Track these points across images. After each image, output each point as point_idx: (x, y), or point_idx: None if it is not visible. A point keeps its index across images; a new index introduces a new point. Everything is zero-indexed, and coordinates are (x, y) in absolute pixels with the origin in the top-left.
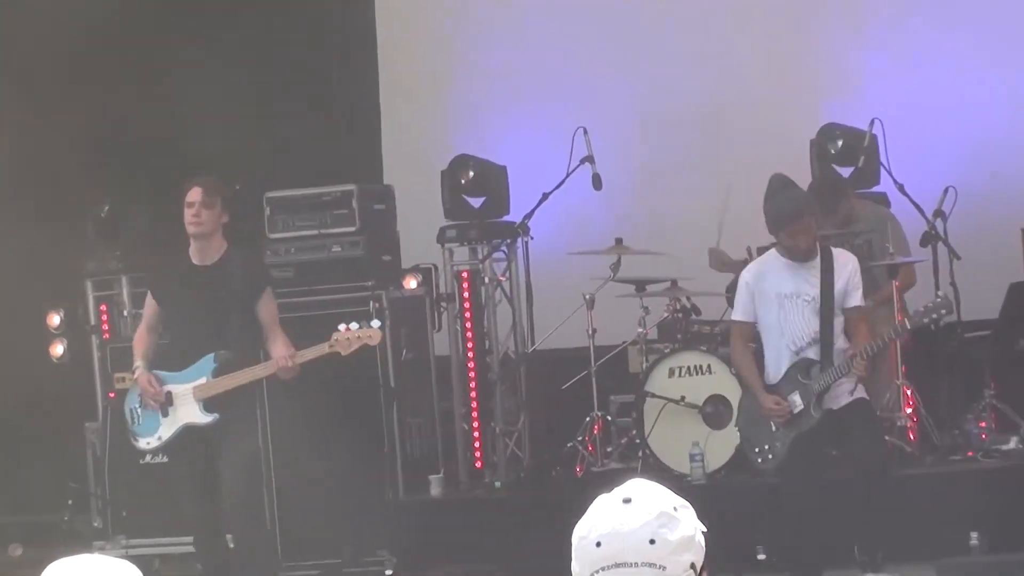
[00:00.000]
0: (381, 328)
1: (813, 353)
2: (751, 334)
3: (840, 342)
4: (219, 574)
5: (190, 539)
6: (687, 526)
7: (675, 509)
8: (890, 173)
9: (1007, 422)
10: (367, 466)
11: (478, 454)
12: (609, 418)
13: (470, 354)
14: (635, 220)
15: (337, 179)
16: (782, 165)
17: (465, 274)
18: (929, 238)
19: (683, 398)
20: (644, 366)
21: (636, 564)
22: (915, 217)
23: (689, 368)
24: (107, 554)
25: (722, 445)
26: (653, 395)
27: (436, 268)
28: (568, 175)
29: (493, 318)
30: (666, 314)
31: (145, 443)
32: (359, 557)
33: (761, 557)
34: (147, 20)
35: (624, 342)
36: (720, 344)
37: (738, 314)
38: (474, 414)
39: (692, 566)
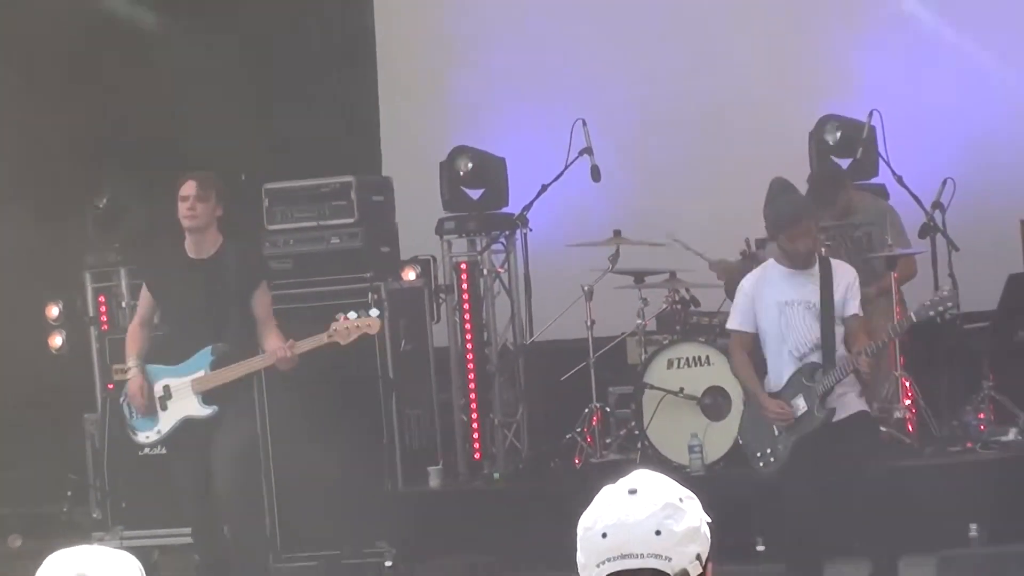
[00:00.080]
0: (380, 317)
1: (816, 359)
2: (750, 343)
3: (842, 350)
4: (217, 566)
5: (189, 531)
6: (693, 517)
7: (681, 500)
8: (889, 164)
9: (1006, 413)
10: (366, 458)
11: (477, 445)
12: (608, 409)
13: (469, 345)
14: (634, 211)
15: (336, 171)
16: (781, 159)
17: (464, 266)
18: (928, 229)
19: (682, 389)
20: (643, 357)
21: (642, 555)
22: (914, 208)
23: (688, 359)
24: (106, 545)
25: (721, 436)
26: (652, 386)
27: (435, 260)
28: (567, 167)
29: (492, 310)
30: (665, 305)
31: (144, 437)
32: (358, 548)
33: (760, 548)
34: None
35: (623, 333)
36: (719, 335)
37: (736, 323)
38: (473, 405)
39: (698, 557)
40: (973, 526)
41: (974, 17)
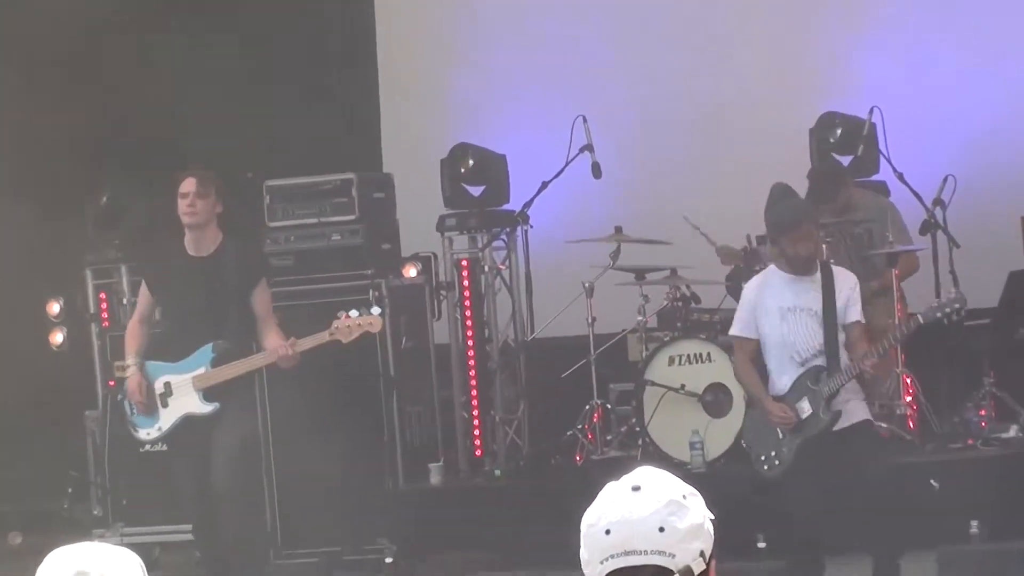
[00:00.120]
0: (381, 315)
1: (819, 364)
2: (753, 349)
3: (844, 356)
4: (218, 563)
5: (189, 527)
6: (696, 514)
7: (684, 497)
8: (889, 161)
9: (1006, 410)
10: (367, 455)
11: (478, 442)
12: (609, 406)
13: (470, 342)
14: (634, 208)
15: (337, 168)
16: (782, 156)
17: (465, 262)
18: (929, 226)
19: (683, 386)
20: (644, 354)
21: (646, 552)
22: (915, 205)
23: (689, 356)
24: (107, 542)
25: (722, 433)
26: (653, 383)
27: (436, 256)
28: (567, 163)
29: (493, 306)
30: (666, 302)
31: (145, 434)
32: (359, 545)
33: (761, 545)
34: (147, 8)
35: (624, 330)
36: (720, 332)
37: (739, 329)
38: (474, 402)
39: (701, 554)
40: (974, 523)
41: (974, 15)
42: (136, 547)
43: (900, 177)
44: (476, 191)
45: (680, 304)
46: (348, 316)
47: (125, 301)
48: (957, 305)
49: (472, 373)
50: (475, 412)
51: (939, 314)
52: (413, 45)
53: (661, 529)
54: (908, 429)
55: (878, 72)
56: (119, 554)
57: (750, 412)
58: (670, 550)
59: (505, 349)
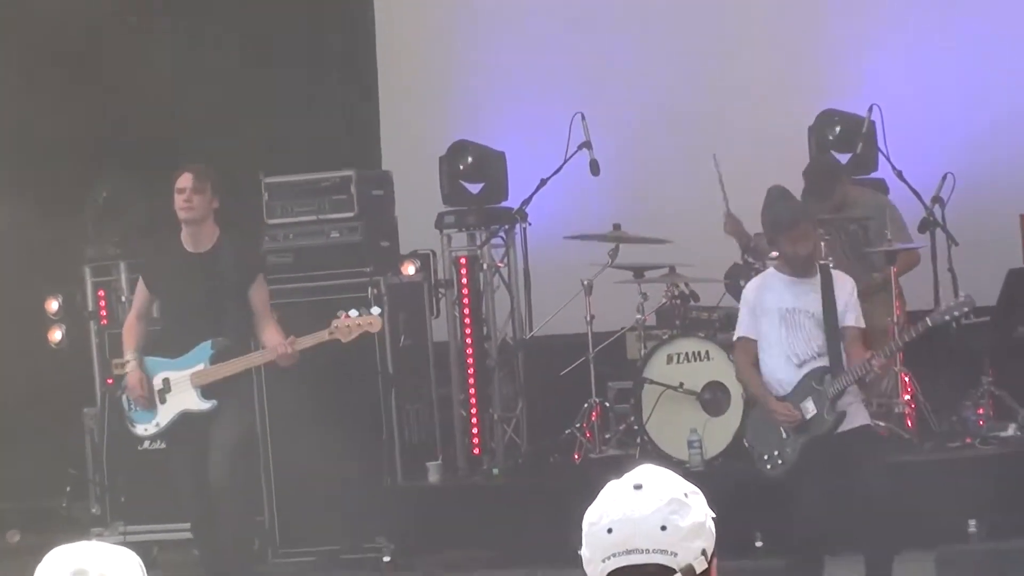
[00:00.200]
0: (381, 315)
1: (818, 364)
2: (753, 350)
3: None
4: (217, 561)
5: (188, 525)
6: (698, 512)
7: (686, 495)
8: (888, 159)
9: (1005, 409)
10: (365, 453)
11: (476, 440)
12: (607, 404)
13: (468, 340)
14: (633, 206)
15: (335, 165)
16: (781, 154)
17: (463, 260)
18: (927, 224)
19: (681, 384)
20: (642, 352)
21: (648, 550)
22: (913, 203)
23: (687, 354)
24: (105, 540)
25: (720, 432)
26: (651, 381)
27: (434, 254)
28: (566, 161)
29: (491, 304)
30: (664, 300)
31: (143, 429)
32: (357, 543)
33: (759, 544)
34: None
35: (622, 328)
36: (718, 330)
37: (740, 331)
38: (472, 400)
39: (703, 552)
40: (972, 522)
41: (973, 13)
42: (135, 546)
43: (899, 175)
44: (475, 188)
45: (679, 302)
46: (348, 316)
47: (124, 299)
48: (966, 308)
49: (470, 371)
50: (473, 410)
51: (948, 317)
52: (412, 43)
53: (663, 528)
54: (906, 428)
55: (877, 70)
56: (118, 553)
57: (752, 412)
58: (672, 549)
59: (503, 347)
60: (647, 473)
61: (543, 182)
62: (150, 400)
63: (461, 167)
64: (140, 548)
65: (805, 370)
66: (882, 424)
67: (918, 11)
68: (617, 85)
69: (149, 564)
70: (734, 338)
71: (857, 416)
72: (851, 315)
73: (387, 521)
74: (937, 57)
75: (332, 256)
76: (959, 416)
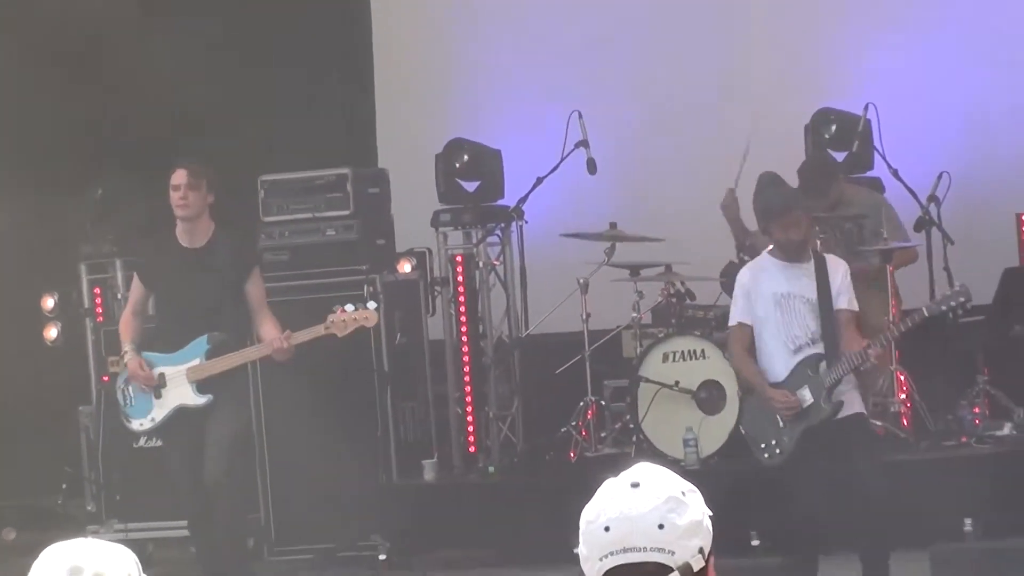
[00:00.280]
0: (377, 310)
1: (813, 351)
2: (749, 336)
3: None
4: (213, 558)
5: (184, 523)
6: (695, 511)
7: (683, 494)
8: (884, 158)
9: (1000, 408)
10: (360, 450)
11: (472, 438)
12: (603, 403)
13: (464, 338)
14: (630, 204)
15: (331, 162)
16: (776, 150)
17: (459, 258)
18: (923, 223)
19: (677, 383)
20: (638, 351)
21: (645, 549)
22: (909, 202)
23: (683, 353)
24: (101, 538)
25: (716, 430)
26: (647, 380)
27: (430, 252)
28: (563, 159)
29: (487, 302)
30: (660, 299)
31: (138, 424)
32: (352, 541)
33: (755, 543)
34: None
35: (618, 327)
36: (714, 329)
37: (736, 317)
38: (468, 398)
39: (700, 551)
40: (967, 521)
41: (970, 12)
42: (130, 543)
43: (895, 173)
44: (471, 186)
45: (675, 300)
46: (344, 310)
47: (120, 296)
48: (962, 299)
49: (466, 369)
50: (469, 408)
51: (944, 307)
52: (408, 41)
53: (660, 526)
54: (902, 427)
55: (874, 69)
56: (113, 550)
57: (748, 400)
58: (669, 547)
59: (499, 345)
60: (644, 471)
61: (539, 180)
62: (153, 384)
63: (457, 165)
64: (135, 546)
65: (800, 356)
66: (879, 423)
67: (914, 10)
68: (614, 84)
69: (145, 562)
70: (729, 324)
71: (852, 404)
72: (844, 298)
73: (383, 519)
74: (933, 56)
75: (328, 254)
76: (955, 415)
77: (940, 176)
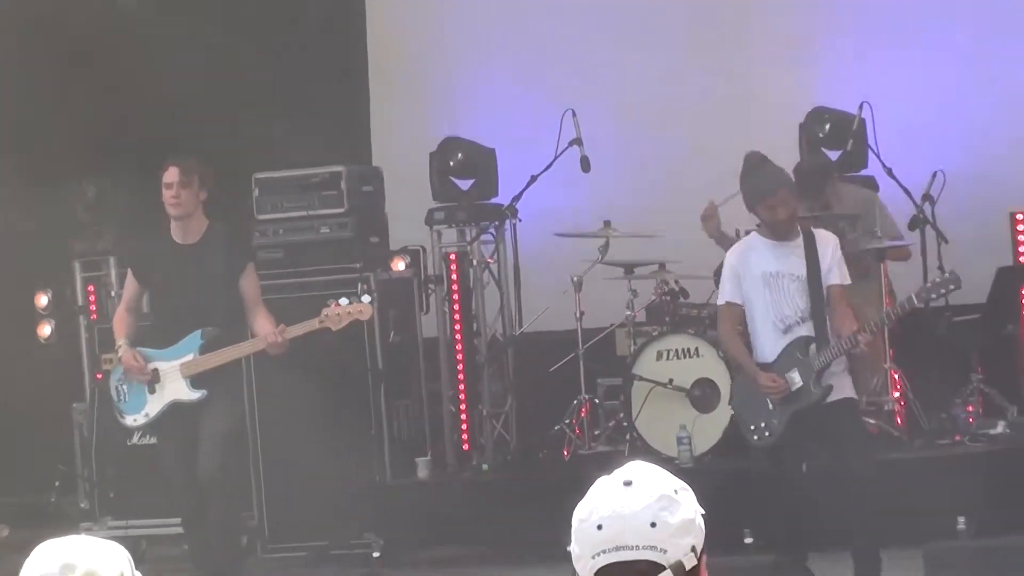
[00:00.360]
0: (371, 303)
1: (803, 331)
2: (738, 316)
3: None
4: (206, 555)
5: (177, 520)
6: (688, 509)
7: (676, 492)
8: (879, 157)
9: (994, 407)
10: (354, 448)
11: (465, 436)
12: (596, 401)
13: (458, 336)
14: (624, 203)
15: (326, 160)
16: (771, 149)
17: (453, 256)
18: (917, 222)
19: (671, 381)
20: (632, 349)
21: (637, 547)
22: (903, 201)
23: (677, 351)
24: (94, 535)
25: (710, 428)
26: (641, 378)
27: (424, 250)
28: (556, 157)
29: (481, 300)
30: (654, 297)
31: (132, 420)
32: (346, 539)
33: (748, 540)
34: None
35: (612, 325)
36: (708, 327)
37: (725, 296)
38: (461, 396)
39: (693, 549)
40: (961, 519)
41: (965, 9)
42: (123, 540)
43: (889, 172)
44: (465, 184)
45: (668, 299)
46: (338, 304)
47: (113, 293)
48: (952, 286)
49: (460, 367)
50: (463, 406)
51: (934, 295)
52: (403, 39)
53: (653, 524)
54: (896, 425)
55: (868, 68)
56: (106, 547)
57: (737, 378)
58: (662, 545)
59: (493, 343)
60: (637, 469)
61: (533, 178)
62: (148, 376)
63: (451, 163)
64: (129, 543)
65: (790, 337)
66: (872, 422)
67: (910, 9)
68: (608, 82)
69: (138, 559)
70: (718, 303)
71: (842, 388)
72: (835, 273)
73: (376, 517)
74: (927, 55)
75: (322, 252)
76: (948, 413)
77: (934, 175)
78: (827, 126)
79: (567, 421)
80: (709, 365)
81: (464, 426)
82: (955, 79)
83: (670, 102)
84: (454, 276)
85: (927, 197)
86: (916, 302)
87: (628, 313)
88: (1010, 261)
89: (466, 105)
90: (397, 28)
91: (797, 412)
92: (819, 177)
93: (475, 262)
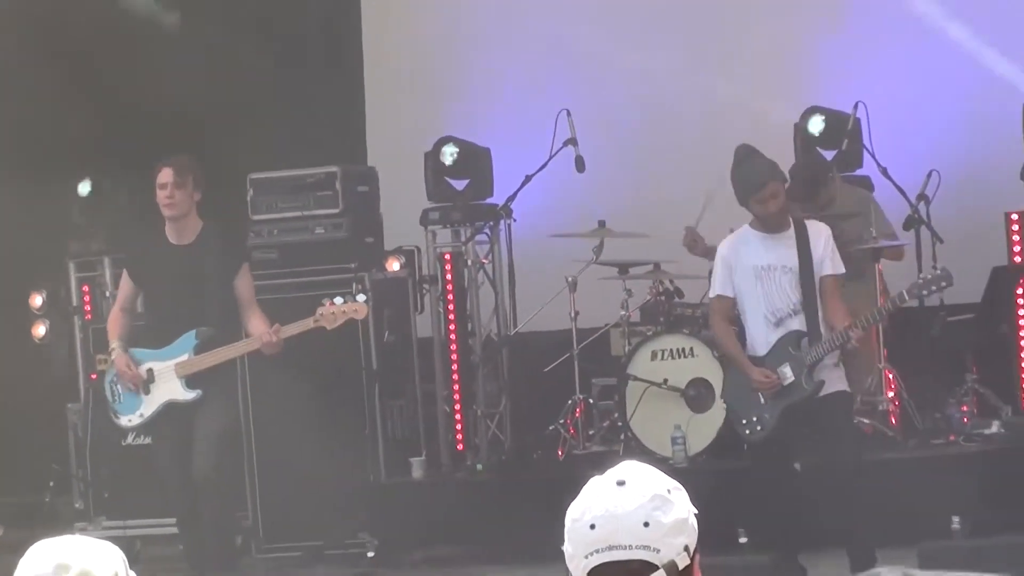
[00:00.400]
0: (366, 302)
1: (795, 324)
2: (730, 309)
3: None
4: (200, 554)
5: (171, 521)
6: (681, 508)
7: (668, 491)
8: (873, 156)
9: (989, 406)
10: (348, 448)
11: (460, 436)
12: (591, 401)
13: (452, 336)
14: (618, 203)
15: (320, 161)
16: (766, 147)
17: (448, 256)
18: (912, 222)
19: (665, 381)
20: (626, 349)
21: (630, 547)
22: (898, 200)
23: (672, 351)
24: (88, 535)
25: (704, 428)
26: (635, 378)
27: (419, 250)
28: (551, 157)
29: (475, 300)
30: (649, 297)
31: (127, 420)
32: (340, 539)
33: (743, 540)
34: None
35: (606, 325)
36: (703, 327)
37: (716, 289)
38: (456, 396)
39: (686, 548)
40: (955, 519)
41: (960, 8)
42: (117, 540)
43: (884, 172)
44: (460, 184)
45: (663, 298)
46: (333, 303)
47: (108, 294)
48: (943, 283)
49: (454, 367)
50: (457, 406)
51: (926, 291)
52: (398, 39)
53: (646, 524)
54: (890, 425)
55: (863, 67)
56: (100, 547)
57: (730, 371)
58: (655, 545)
59: (488, 343)
60: (630, 469)
61: (528, 178)
62: (140, 382)
63: (446, 163)
64: (123, 543)
65: (782, 330)
66: (866, 421)
67: (904, 10)
68: (603, 82)
69: (132, 559)
70: (709, 295)
71: (835, 382)
72: (828, 264)
73: (371, 517)
74: (923, 55)
75: (317, 252)
76: (943, 413)
77: (930, 174)
78: (822, 125)
79: (562, 421)
80: (704, 365)
81: (459, 426)
82: (950, 79)
83: (665, 102)
84: (449, 276)
85: (922, 197)
86: (907, 298)
87: (623, 313)
88: (1005, 261)
89: (461, 105)
90: (392, 28)
91: (789, 406)
92: (815, 181)
93: (470, 262)
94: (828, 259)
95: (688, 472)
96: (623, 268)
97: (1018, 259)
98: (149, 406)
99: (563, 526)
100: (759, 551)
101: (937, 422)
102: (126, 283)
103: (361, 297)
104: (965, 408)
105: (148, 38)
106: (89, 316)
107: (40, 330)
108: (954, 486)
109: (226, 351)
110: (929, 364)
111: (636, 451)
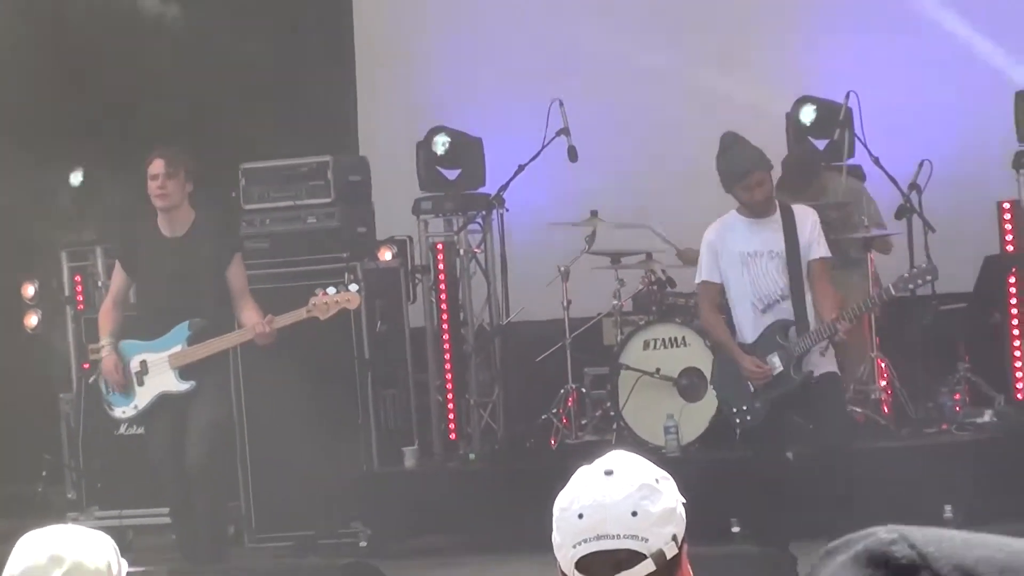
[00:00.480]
0: (359, 292)
1: (783, 309)
2: (718, 294)
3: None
4: (193, 544)
5: (164, 510)
6: (669, 498)
7: (656, 481)
8: (865, 146)
9: (981, 395)
10: (341, 438)
11: (452, 426)
12: (583, 390)
13: (445, 326)
14: (610, 192)
15: (312, 150)
16: (758, 137)
17: (440, 246)
18: (904, 211)
19: (658, 370)
20: (619, 338)
21: (618, 536)
22: (890, 190)
23: (664, 340)
24: (81, 525)
25: (697, 417)
26: (628, 367)
27: (411, 240)
28: (544, 147)
29: (468, 290)
30: (641, 286)
31: (121, 412)
32: (333, 529)
33: (735, 530)
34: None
35: (599, 314)
36: (695, 316)
37: (703, 275)
38: (448, 386)
39: (674, 538)
40: (948, 507)
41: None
42: (110, 530)
43: (876, 161)
44: (452, 174)
45: (655, 288)
46: (325, 293)
47: (100, 284)
48: (929, 277)
49: (447, 356)
50: (450, 395)
51: (911, 285)
52: (390, 28)
53: (634, 513)
54: (883, 414)
55: (855, 57)
56: (93, 537)
57: (718, 357)
58: (643, 534)
59: (480, 333)
60: (618, 459)
61: (521, 168)
62: (126, 384)
63: (438, 153)
64: (115, 533)
65: (770, 317)
66: (859, 410)
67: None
68: (595, 72)
69: (124, 549)
70: (696, 281)
71: (823, 363)
72: (816, 248)
73: (363, 506)
74: (915, 44)
75: (309, 242)
76: (935, 402)
77: (921, 164)
78: (814, 115)
79: (554, 410)
80: (696, 354)
81: (451, 415)
82: (942, 68)
83: (656, 92)
84: (441, 266)
85: (914, 186)
86: (894, 292)
87: (615, 302)
88: (997, 250)
89: (453, 95)
90: (384, 18)
91: (778, 396)
92: (807, 171)
93: (462, 252)
94: (815, 243)
95: (680, 461)
96: (615, 258)
97: (1010, 248)
98: (143, 397)
99: (553, 516)
100: (752, 541)
101: (929, 411)
102: (118, 274)
103: (353, 287)
104: (957, 397)
105: (141, 29)
106: (81, 306)
107: (32, 320)
108: (946, 475)
109: (219, 342)
110: (921, 353)
111: (629, 440)
